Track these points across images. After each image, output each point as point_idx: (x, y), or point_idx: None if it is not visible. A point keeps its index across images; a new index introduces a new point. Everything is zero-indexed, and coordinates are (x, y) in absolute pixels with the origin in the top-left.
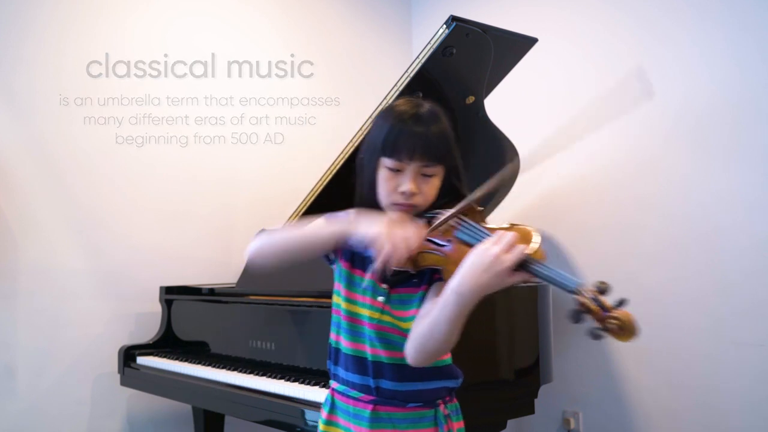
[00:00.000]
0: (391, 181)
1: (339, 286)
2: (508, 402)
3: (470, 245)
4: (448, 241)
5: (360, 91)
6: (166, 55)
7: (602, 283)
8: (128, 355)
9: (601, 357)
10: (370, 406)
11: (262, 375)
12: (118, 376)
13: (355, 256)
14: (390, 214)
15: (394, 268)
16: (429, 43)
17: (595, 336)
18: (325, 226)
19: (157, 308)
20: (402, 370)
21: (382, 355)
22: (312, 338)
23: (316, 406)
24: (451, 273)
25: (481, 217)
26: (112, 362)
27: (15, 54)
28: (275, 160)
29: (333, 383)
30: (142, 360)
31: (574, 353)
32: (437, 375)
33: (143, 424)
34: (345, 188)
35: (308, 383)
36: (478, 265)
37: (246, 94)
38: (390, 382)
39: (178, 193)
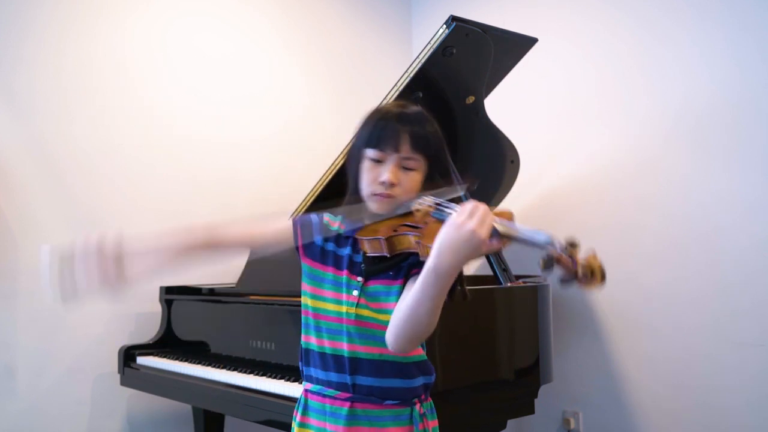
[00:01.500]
0: (372, 172)
1: (305, 285)
2: (508, 402)
3: (443, 221)
4: (425, 223)
5: (360, 91)
6: (166, 55)
7: (572, 240)
8: (128, 355)
9: (601, 357)
10: (348, 404)
11: (262, 375)
12: (118, 376)
13: (318, 252)
14: None
15: (370, 254)
16: (429, 43)
17: (565, 282)
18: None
19: (157, 308)
20: (380, 366)
21: (360, 350)
22: None
23: None
24: (426, 248)
25: (458, 201)
26: (112, 362)
27: (15, 54)
28: (275, 160)
29: (306, 384)
30: (142, 360)
31: (574, 353)
32: (414, 370)
33: (143, 424)
34: (345, 188)
35: None
36: (455, 241)
37: (246, 94)
38: (368, 378)
39: (178, 193)
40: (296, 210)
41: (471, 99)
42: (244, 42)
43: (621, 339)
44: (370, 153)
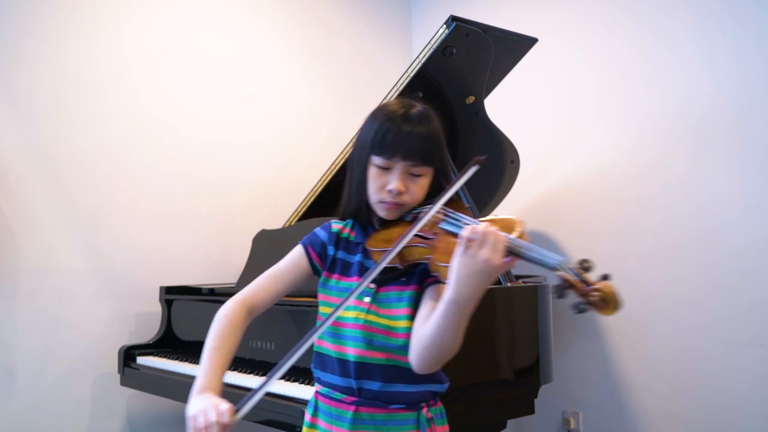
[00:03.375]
0: (380, 179)
1: (320, 296)
2: (508, 402)
3: (454, 234)
4: (435, 234)
5: (360, 91)
6: (166, 55)
7: (585, 260)
8: (128, 355)
9: (601, 357)
10: (352, 408)
11: (262, 375)
12: (118, 376)
13: (330, 261)
14: (210, 399)
15: (384, 266)
16: (429, 43)
17: (579, 310)
18: (199, 371)
19: (157, 308)
20: (387, 371)
21: (366, 355)
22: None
23: None
24: (437, 262)
25: (464, 208)
26: (112, 362)
27: (15, 54)
28: (275, 160)
29: (316, 386)
30: (142, 360)
31: (574, 353)
32: (423, 379)
33: (143, 424)
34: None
35: (308, 383)
36: (471, 272)
37: (246, 94)
38: (374, 383)
39: (178, 193)
40: (296, 210)
41: (471, 99)
42: (244, 42)
43: (621, 339)
44: (377, 160)
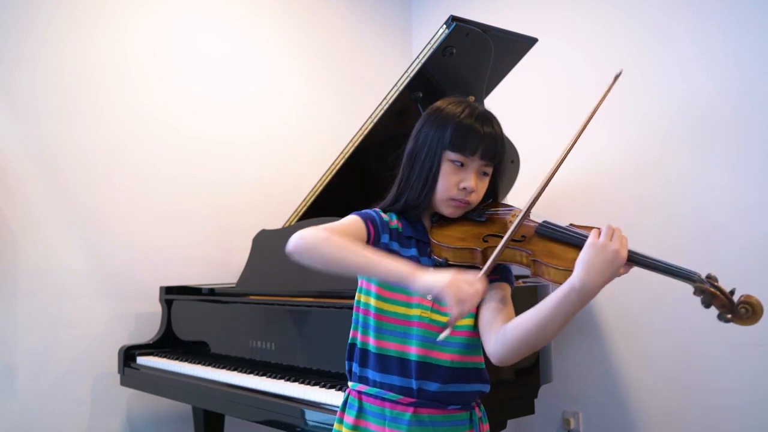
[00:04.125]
0: (454, 176)
1: (369, 285)
2: (508, 402)
3: (552, 239)
4: (523, 236)
5: (360, 91)
6: (166, 55)
7: (712, 274)
8: (128, 355)
9: (601, 357)
10: (411, 409)
11: (262, 375)
12: (118, 376)
13: (384, 250)
14: (452, 272)
15: (454, 263)
16: (429, 43)
17: (726, 320)
18: (382, 263)
19: (157, 308)
20: (449, 372)
21: (432, 356)
22: (312, 338)
23: (316, 406)
24: (542, 266)
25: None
26: (112, 362)
27: (15, 54)
28: (275, 160)
29: (358, 386)
30: (142, 360)
31: (574, 353)
32: (477, 377)
33: (143, 424)
34: (345, 188)
35: (308, 383)
36: (601, 262)
37: (246, 94)
38: (436, 383)
39: (178, 193)
40: (296, 210)
41: (471, 99)
42: (244, 42)
43: (621, 339)
44: (453, 156)
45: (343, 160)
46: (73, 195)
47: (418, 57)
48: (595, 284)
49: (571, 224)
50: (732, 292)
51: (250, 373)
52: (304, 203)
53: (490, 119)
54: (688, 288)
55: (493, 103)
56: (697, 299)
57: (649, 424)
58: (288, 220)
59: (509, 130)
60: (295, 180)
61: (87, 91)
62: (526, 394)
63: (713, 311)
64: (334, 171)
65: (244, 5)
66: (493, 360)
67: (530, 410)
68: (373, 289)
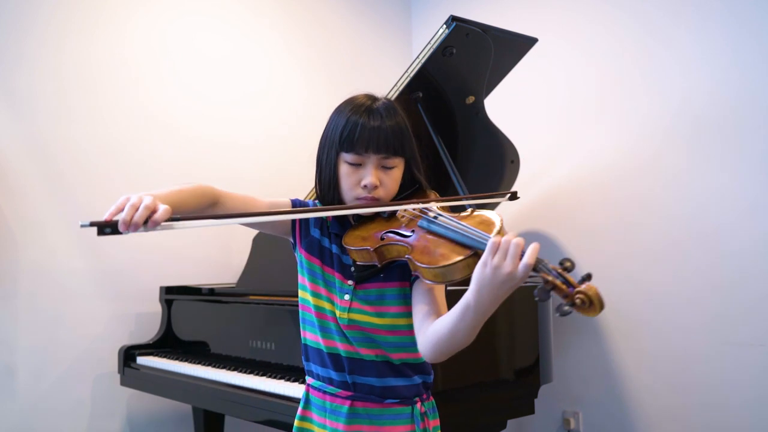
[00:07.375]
0: (353, 176)
1: (303, 279)
2: (508, 402)
3: (433, 233)
4: (412, 231)
5: (360, 91)
6: (166, 55)
7: (566, 260)
8: (128, 355)
9: (601, 357)
10: (348, 402)
11: (262, 375)
12: (118, 376)
13: (316, 245)
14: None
15: (360, 263)
16: (429, 43)
17: (563, 313)
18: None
19: (157, 308)
20: (379, 367)
21: (356, 352)
22: None
23: None
24: (416, 261)
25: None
26: (112, 362)
27: (15, 54)
28: (275, 159)
29: (309, 379)
30: (142, 360)
31: (574, 353)
32: (413, 370)
33: (143, 424)
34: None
35: None
36: (494, 284)
37: (246, 94)
38: (367, 378)
39: None
40: None
41: (471, 99)
42: (244, 42)
43: (621, 339)
44: (347, 157)
45: None
46: (73, 195)
47: (418, 57)
48: (488, 303)
49: (473, 209)
50: (588, 277)
51: (250, 373)
52: None
53: (380, 111)
54: (688, 288)
55: (493, 103)
56: (697, 299)
57: (649, 424)
58: None
59: (509, 130)
60: (295, 180)
61: (87, 91)
62: (526, 394)
63: (714, 311)
64: None
65: (244, 5)
66: (425, 360)
67: (530, 410)
68: (308, 284)
